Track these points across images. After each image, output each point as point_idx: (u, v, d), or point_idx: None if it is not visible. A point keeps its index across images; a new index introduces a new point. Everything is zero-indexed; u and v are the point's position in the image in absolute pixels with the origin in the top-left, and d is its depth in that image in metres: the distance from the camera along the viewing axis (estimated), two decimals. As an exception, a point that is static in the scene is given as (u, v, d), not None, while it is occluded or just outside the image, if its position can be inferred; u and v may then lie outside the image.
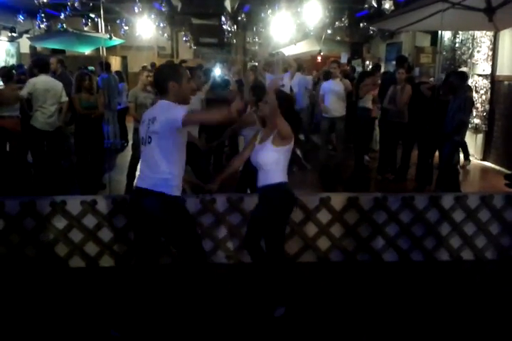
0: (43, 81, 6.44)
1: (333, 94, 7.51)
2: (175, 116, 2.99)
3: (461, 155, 7.72)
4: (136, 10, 10.07)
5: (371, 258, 4.68)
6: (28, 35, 13.13)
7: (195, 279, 3.42)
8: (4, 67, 7.16)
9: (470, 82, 9.06)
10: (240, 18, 11.91)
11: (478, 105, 9.16)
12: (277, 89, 3.89)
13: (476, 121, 9.23)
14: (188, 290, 3.59)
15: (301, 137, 9.36)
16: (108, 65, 9.97)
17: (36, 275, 4.30)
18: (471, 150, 8.98)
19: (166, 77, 3.15)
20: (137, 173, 6.53)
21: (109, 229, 4.46)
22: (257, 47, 17.68)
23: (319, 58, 15.60)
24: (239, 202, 4.48)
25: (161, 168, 3.11)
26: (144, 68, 9.80)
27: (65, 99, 6.74)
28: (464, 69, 9.35)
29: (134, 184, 3.36)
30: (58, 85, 6.53)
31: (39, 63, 6.71)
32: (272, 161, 3.43)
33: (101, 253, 4.49)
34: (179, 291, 3.83)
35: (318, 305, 3.84)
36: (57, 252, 4.45)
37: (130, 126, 8.33)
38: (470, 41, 9.77)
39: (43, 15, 11.19)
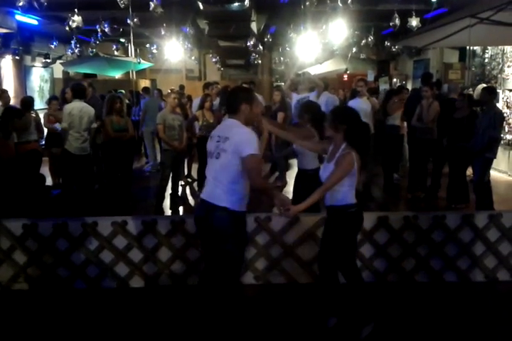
0: (77, 107, 6.54)
1: (360, 113, 7.44)
2: (242, 150, 3.21)
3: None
4: (164, 33, 10.33)
5: (402, 279, 4.57)
6: (61, 61, 13.59)
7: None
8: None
9: (501, 97, 8.92)
10: (266, 39, 12.05)
11: (511, 121, 8.98)
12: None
13: (509, 136, 9.04)
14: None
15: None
16: (147, 89, 10.41)
17: (68, 296, 4.35)
18: (503, 166, 8.77)
19: (240, 99, 3.38)
20: (167, 194, 6.70)
21: (139, 249, 4.50)
22: (283, 67, 17.83)
23: (345, 77, 15.62)
24: (266, 221, 4.47)
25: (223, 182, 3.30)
26: (171, 91, 10.02)
27: (94, 124, 6.87)
28: (494, 85, 9.21)
29: (201, 195, 3.45)
30: (91, 111, 6.63)
31: (77, 89, 6.78)
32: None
33: (131, 274, 4.53)
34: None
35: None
36: (88, 273, 4.50)
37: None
38: (500, 56, 9.65)
39: (75, 41, 11.64)
